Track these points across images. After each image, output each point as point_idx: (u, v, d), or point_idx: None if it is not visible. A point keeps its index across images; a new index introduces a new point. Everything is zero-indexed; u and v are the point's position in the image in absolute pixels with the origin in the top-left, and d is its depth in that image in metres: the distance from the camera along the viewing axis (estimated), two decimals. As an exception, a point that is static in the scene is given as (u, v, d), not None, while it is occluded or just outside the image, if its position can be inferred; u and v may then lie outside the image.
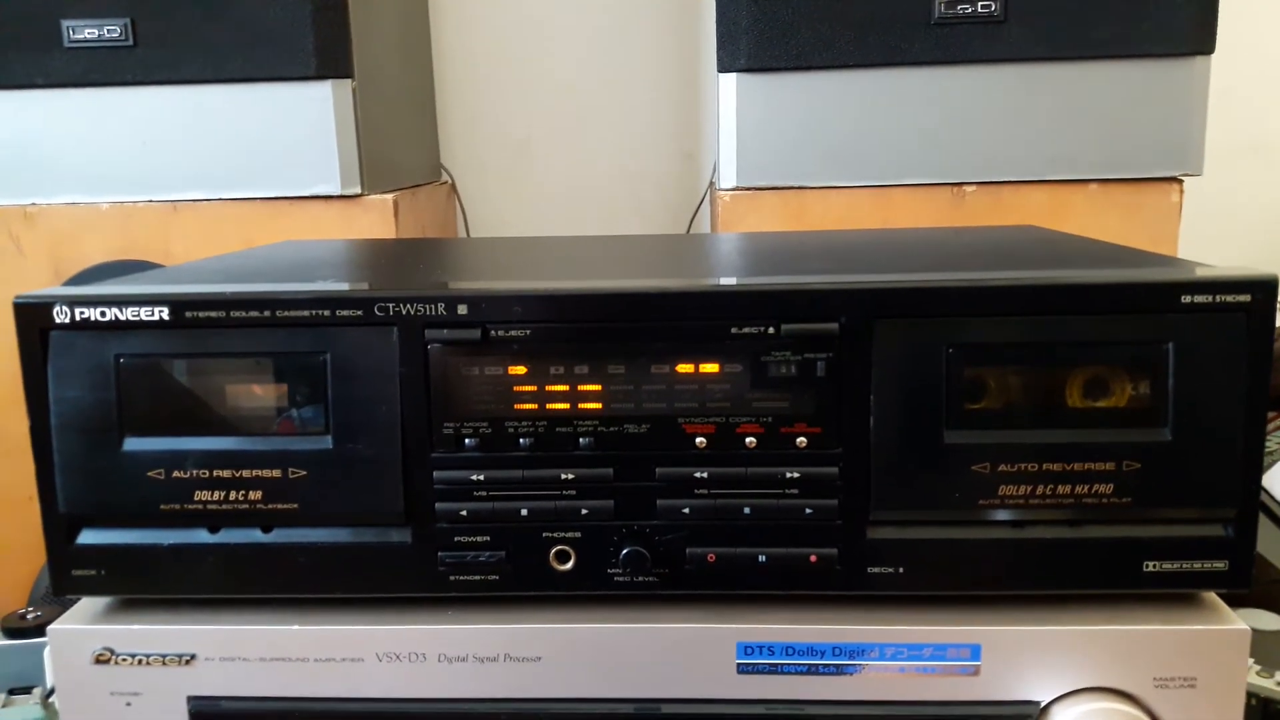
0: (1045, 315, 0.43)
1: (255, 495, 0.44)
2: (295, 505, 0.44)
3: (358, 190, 0.90)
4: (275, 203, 0.90)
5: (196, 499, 0.45)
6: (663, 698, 0.45)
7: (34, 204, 0.91)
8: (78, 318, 0.44)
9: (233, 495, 0.45)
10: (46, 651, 0.68)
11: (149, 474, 0.45)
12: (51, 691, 0.65)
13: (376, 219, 0.90)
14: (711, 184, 1.17)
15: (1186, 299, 0.42)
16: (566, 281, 0.45)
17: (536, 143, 1.29)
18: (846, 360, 0.43)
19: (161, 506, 0.45)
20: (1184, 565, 0.44)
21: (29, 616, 0.71)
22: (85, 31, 0.87)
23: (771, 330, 0.43)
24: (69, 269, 0.91)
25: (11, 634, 0.70)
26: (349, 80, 0.88)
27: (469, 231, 1.28)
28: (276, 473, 0.44)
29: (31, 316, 0.44)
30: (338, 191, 0.89)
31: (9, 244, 0.91)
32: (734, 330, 0.43)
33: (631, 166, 1.29)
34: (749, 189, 0.88)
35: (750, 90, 0.87)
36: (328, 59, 0.87)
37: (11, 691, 0.66)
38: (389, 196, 0.91)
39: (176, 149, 0.89)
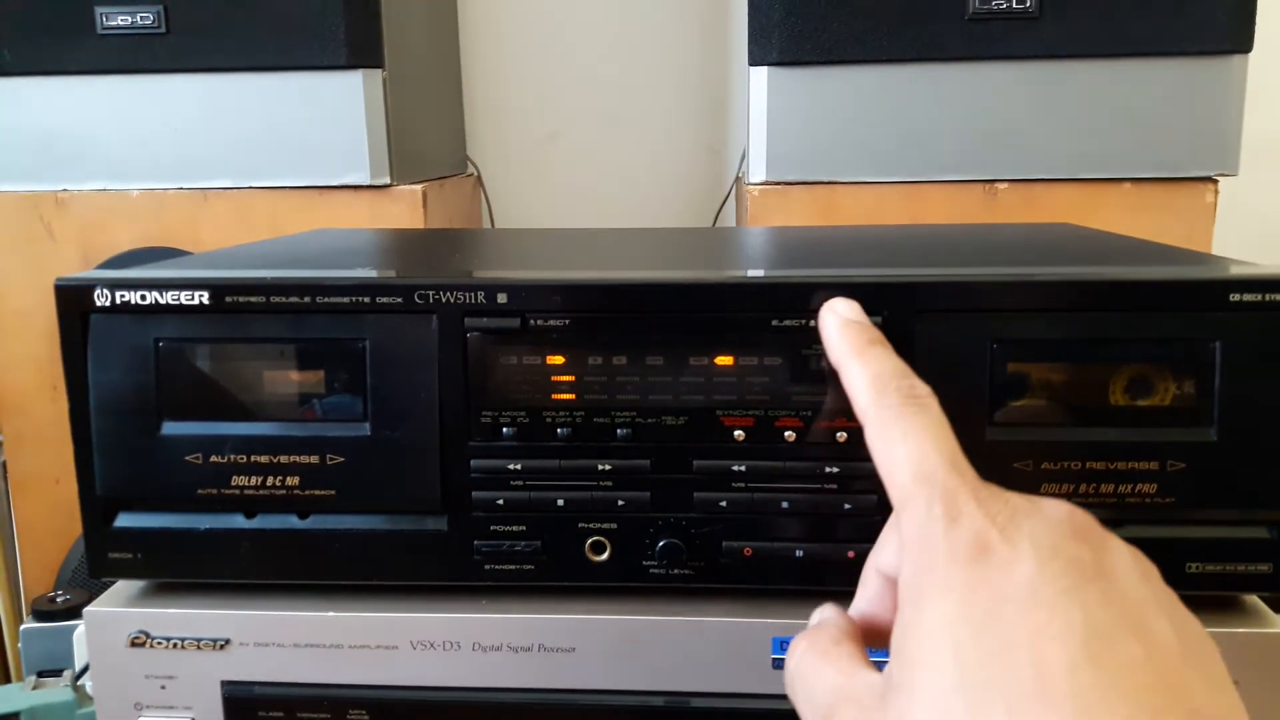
0: (1091, 312, 0.42)
1: (292, 481, 0.44)
2: (332, 492, 0.44)
3: (387, 181, 0.90)
4: (305, 192, 0.90)
5: (233, 484, 0.45)
6: (696, 691, 0.45)
7: (65, 190, 0.91)
8: (118, 301, 0.44)
9: (270, 481, 0.45)
10: (76, 635, 0.69)
11: (186, 458, 0.45)
12: (80, 674, 0.65)
13: (405, 209, 0.90)
14: (738, 178, 1.16)
15: (1235, 297, 0.41)
16: (606, 272, 0.45)
17: (562, 136, 1.29)
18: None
19: (198, 491, 0.45)
20: (1227, 567, 0.43)
21: (58, 600, 0.71)
22: (118, 19, 0.87)
23: (813, 323, 0.42)
24: (98, 256, 0.92)
25: (41, 616, 0.71)
26: (380, 70, 0.88)
27: (494, 224, 1.28)
28: (314, 459, 0.44)
29: (72, 299, 0.44)
30: (367, 181, 0.89)
31: (41, 230, 0.92)
32: (774, 323, 0.43)
33: (657, 161, 1.28)
34: (779, 184, 0.87)
35: (781, 84, 0.86)
36: (359, 48, 0.87)
37: (41, 674, 0.67)
38: (418, 187, 0.91)
39: (207, 137, 0.90)
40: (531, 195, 1.29)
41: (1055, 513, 0.28)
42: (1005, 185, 0.88)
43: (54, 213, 0.91)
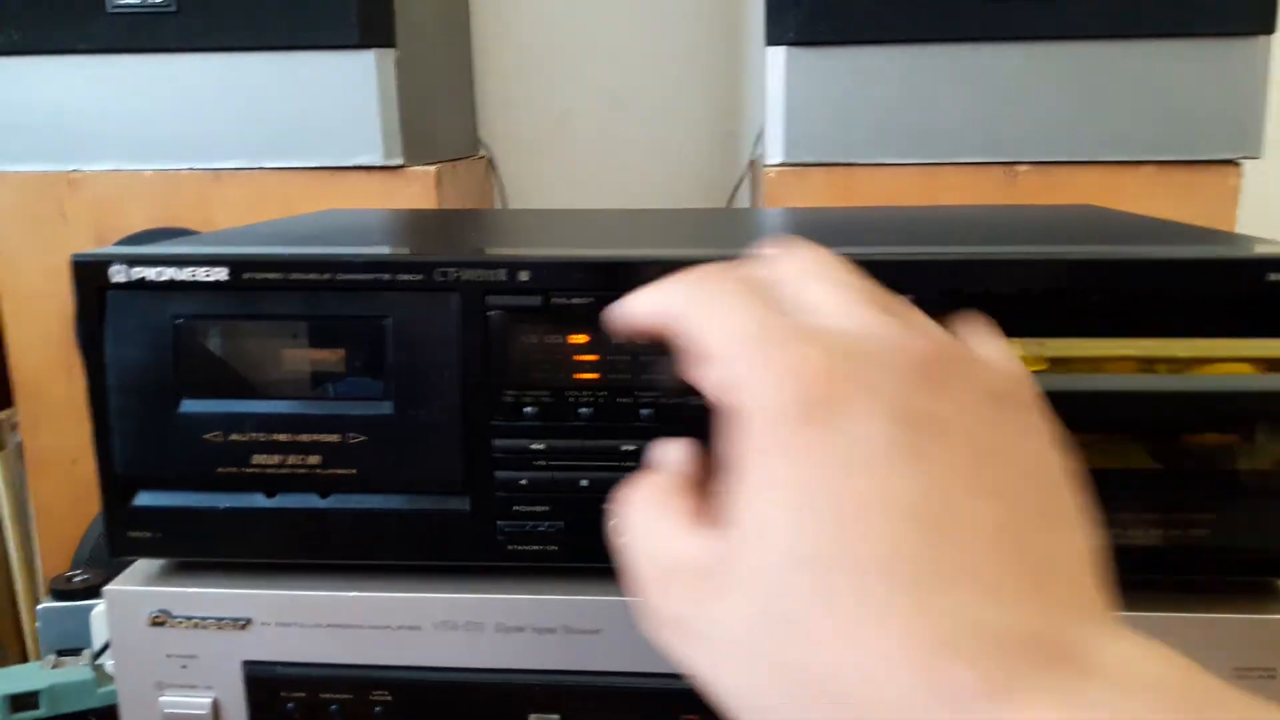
0: (1122, 290, 0.42)
1: (313, 460, 0.44)
2: (353, 471, 0.44)
3: (400, 161, 0.89)
4: (316, 173, 0.90)
5: (254, 462, 0.44)
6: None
7: (77, 170, 0.91)
8: (135, 277, 0.44)
9: (290, 459, 0.44)
10: (94, 614, 0.69)
11: (206, 436, 0.44)
12: (99, 653, 0.65)
13: (418, 191, 0.90)
14: (752, 161, 1.15)
15: (1274, 277, 0.41)
16: (629, 249, 0.44)
17: (573, 118, 1.28)
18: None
19: (218, 469, 0.45)
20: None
21: (76, 579, 0.71)
22: (129, -3, 0.86)
23: (842, 301, 0.41)
24: (111, 236, 0.91)
25: (59, 596, 0.71)
26: (392, 50, 0.87)
27: (506, 206, 1.28)
28: (335, 437, 0.44)
29: (90, 276, 0.44)
30: (380, 162, 0.89)
31: (53, 210, 0.91)
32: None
33: (669, 143, 1.28)
34: (796, 165, 0.87)
35: (799, 64, 0.85)
36: (371, 28, 0.86)
37: (59, 653, 0.67)
38: (431, 168, 0.90)
39: (219, 117, 0.89)
40: (543, 178, 1.29)
41: (902, 354, 0.25)
42: (1025, 168, 0.87)
43: (66, 193, 0.91)
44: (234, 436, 0.44)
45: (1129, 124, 0.86)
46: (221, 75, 0.88)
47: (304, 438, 0.44)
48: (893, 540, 0.23)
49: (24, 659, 1.04)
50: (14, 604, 1.04)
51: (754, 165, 1.12)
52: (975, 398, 0.25)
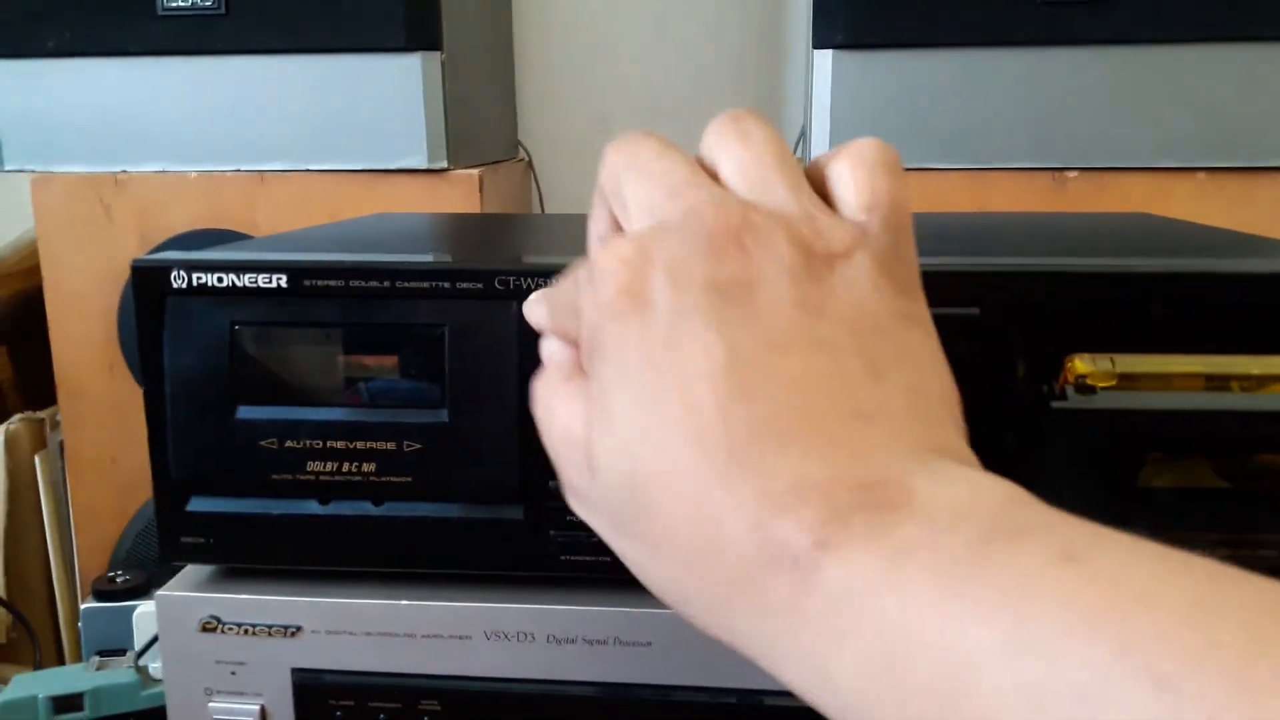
0: (1196, 305, 0.40)
1: (368, 467, 0.44)
2: (408, 479, 0.44)
3: (444, 164, 0.89)
4: (361, 175, 0.90)
5: (308, 469, 0.44)
6: (771, 689, 0.44)
7: (124, 171, 0.91)
8: (195, 283, 0.43)
9: (345, 467, 0.44)
10: (136, 615, 0.69)
11: (261, 443, 0.44)
12: (141, 653, 0.65)
13: (462, 194, 0.90)
14: (793, 165, 1.14)
15: (1353, 291, 0.39)
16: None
17: (612, 120, 1.27)
18: (986, 347, 0.41)
19: (273, 476, 0.44)
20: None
21: (119, 580, 0.71)
22: (178, 0, 0.87)
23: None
24: (156, 237, 0.92)
25: (101, 596, 0.71)
26: (438, 53, 0.87)
27: (544, 209, 1.28)
28: (390, 445, 0.43)
29: (149, 280, 0.44)
30: (424, 165, 0.89)
31: (99, 211, 0.92)
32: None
33: (708, 146, 1.27)
34: (842, 170, 0.85)
35: (846, 67, 0.84)
36: (417, 31, 0.86)
37: (101, 654, 0.67)
38: (474, 171, 0.90)
39: (264, 119, 0.89)
40: (581, 181, 1.28)
41: (701, 228, 0.26)
42: (1074, 174, 0.85)
43: (112, 194, 0.91)
44: (289, 443, 0.44)
45: (1181, 130, 0.84)
46: (268, 77, 0.88)
47: (359, 445, 0.44)
48: (711, 409, 0.24)
49: (60, 658, 1.05)
50: (52, 603, 1.05)
51: (795, 170, 1.11)
52: (783, 257, 0.25)
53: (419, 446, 0.43)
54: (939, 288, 0.40)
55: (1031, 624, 0.20)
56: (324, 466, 0.44)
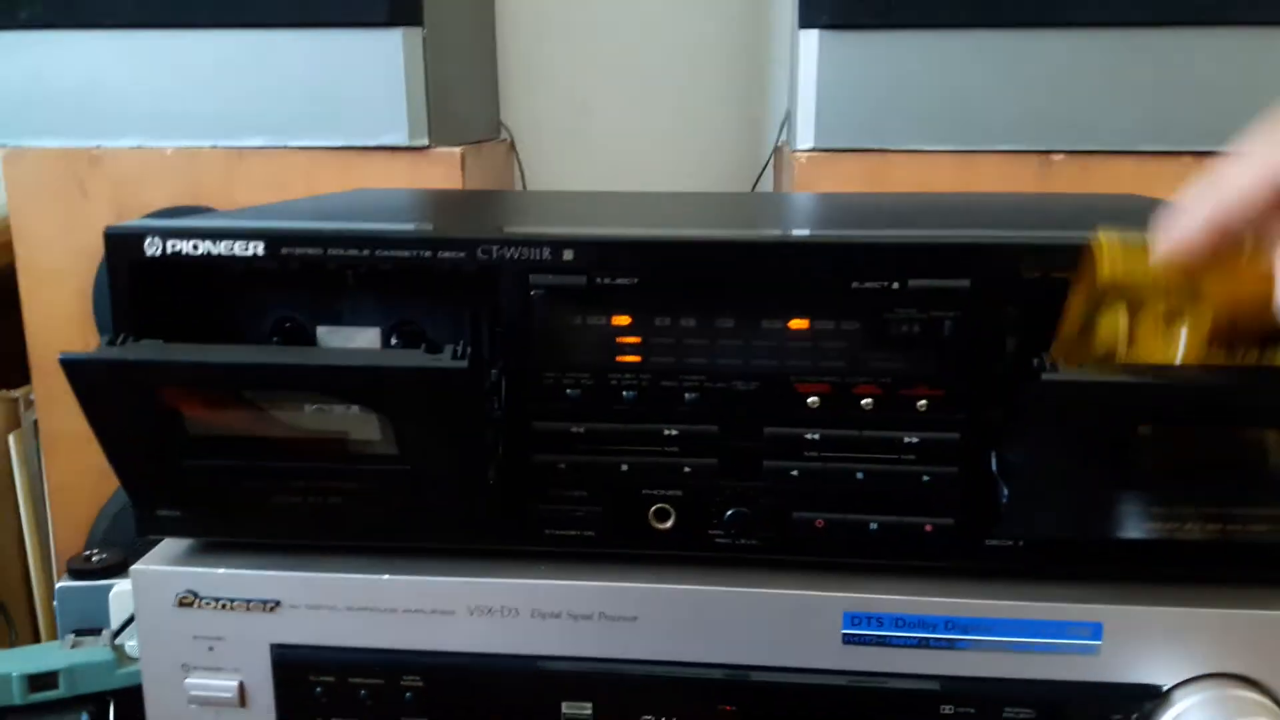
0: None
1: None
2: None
3: (425, 142, 0.88)
4: (341, 152, 0.88)
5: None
6: (760, 665, 0.44)
7: (99, 146, 0.90)
8: (169, 250, 0.43)
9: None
10: (112, 594, 0.68)
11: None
12: (118, 633, 0.64)
13: (443, 172, 0.88)
14: (778, 147, 1.14)
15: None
16: (675, 229, 0.43)
17: (595, 102, 1.26)
18: (975, 320, 0.40)
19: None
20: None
21: (95, 559, 0.70)
22: (153, -29, 0.85)
23: (896, 286, 0.40)
24: (131, 214, 0.90)
25: (77, 575, 0.70)
26: (419, 29, 0.86)
27: (526, 189, 1.26)
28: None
29: (122, 248, 0.43)
30: (405, 143, 0.87)
31: (74, 187, 0.90)
32: (854, 285, 0.41)
33: (691, 128, 1.26)
34: (827, 150, 0.85)
35: (833, 47, 0.84)
36: (399, 6, 0.85)
37: (78, 633, 0.66)
38: (456, 150, 0.89)
39: (243, 94, 0.88)
40: (564, 161, 1.27)
41: None
42: (1060, 157, 0.85)
43: (87, 170, 0.90)
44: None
45: (1168, 113, 0.84)
46: (247, 52, 0.87)
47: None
48: None
49: (36, 639, 1.04)
50: (28, 582, 1.04)
51: (779, 151, 1.10)
52: None
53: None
54: (932, 260, 0.40)
55: None
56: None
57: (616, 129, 1.26)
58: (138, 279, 0.42)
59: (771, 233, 0.42)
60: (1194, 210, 0.32)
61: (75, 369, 0.38)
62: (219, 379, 0.39)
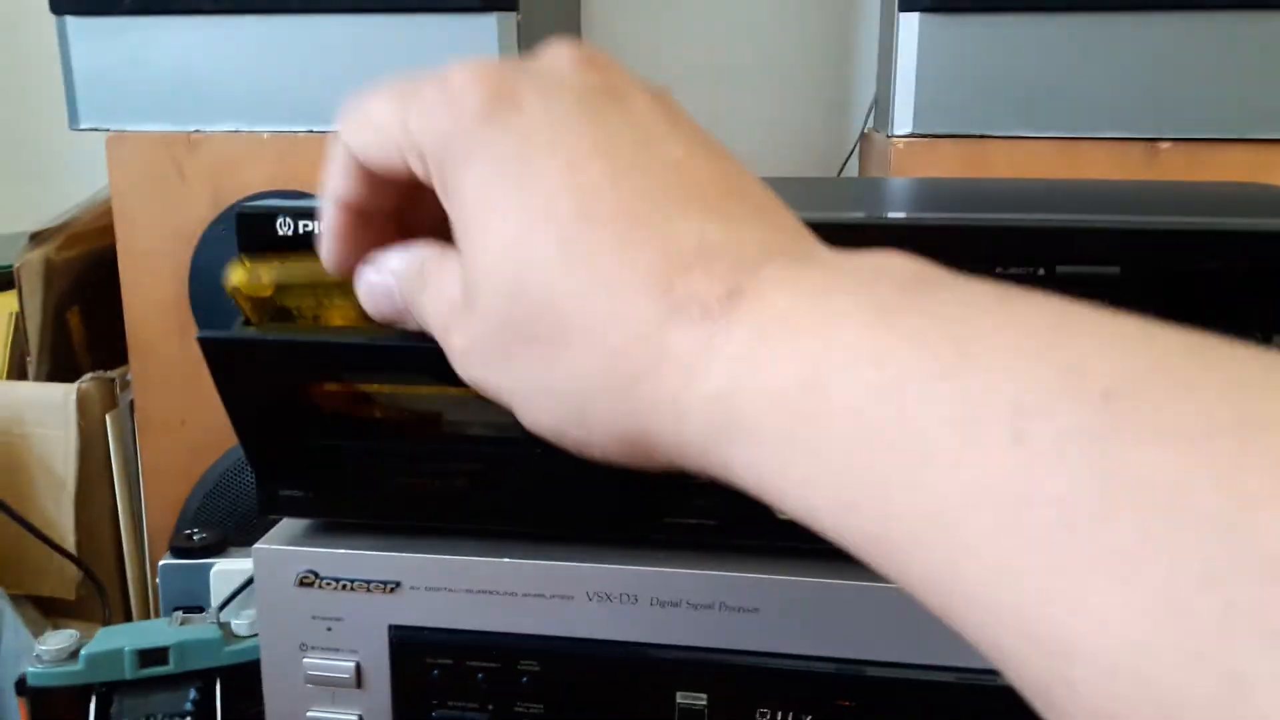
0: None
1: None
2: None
3: (516, 127, 0.88)
4: (432, 137, 0.89)
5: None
6: (880, 660, 0.43)
7: (198, 131, 0.91)
8: (301, 231, 0.43)
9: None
10: (213, 572, 0.69)
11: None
12: (221, 608, 0.65)
13: (533, 157, 0.88)
14: (865, 133, 1.12)
15: None
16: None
17: (677, 86, 1.25)
18: (1124, 308, 0.39)
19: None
20: None
21: (195, 538, 0.71)
22: (253, -42, 0.86)
23: (1042, 273, 0.39)
24: (228, 198, 0.92)
25: (179, 553, 0.71)
26: (514, 14, 0.86)
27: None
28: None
29: (255, 228, 0.43)
30: (496, 127, 0.87)
31: (172, 170, 0.92)
32: (998, 271, 0.39)
33: (773, 114, 1.25)
34: (926, 136, 0.83)
35: (933, 31, 0.82)
36: (493, -10, 0.85)
37: (180, 610, 0.67)
38: (547, 134, 0.89)
39: (339, 79, 0.88)
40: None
41: (558, 50, 0.28)
42: (1168, 144, 0.82)
43: (185, 154, 0.91)
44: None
45: (1283, 99, 0.81)
46: (342, 36, 0.87)
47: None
48: (603, 183, 0.24)
49: (127, 616, 1.06)
50: (120, 561, 1.06)
51: (867, 137, 1.08)
52: (630, 79, 0.28)
53: (526, 402, 0.42)
54: (1082, 246, 0.39)
55: (971, 344, 0.19)
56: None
57: (698, 114, 1.25)
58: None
59: (902, 218, 0.41)
60: None
61: (213, 347, 0.39)
62: (357, 362, 0.39)
